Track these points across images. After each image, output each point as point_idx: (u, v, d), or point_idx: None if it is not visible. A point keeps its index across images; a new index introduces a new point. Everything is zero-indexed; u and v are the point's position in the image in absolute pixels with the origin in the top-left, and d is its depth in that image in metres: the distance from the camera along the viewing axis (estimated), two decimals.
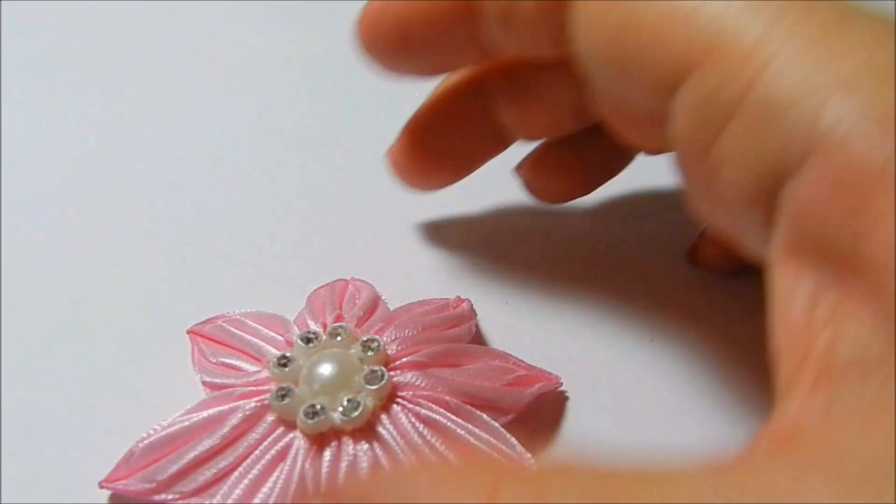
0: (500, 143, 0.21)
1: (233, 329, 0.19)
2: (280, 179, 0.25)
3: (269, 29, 0.32)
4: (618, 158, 0.21)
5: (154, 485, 0.16)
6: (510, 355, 0.18)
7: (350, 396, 0.16)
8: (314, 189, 0.25)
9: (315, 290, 0.20)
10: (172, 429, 0.17)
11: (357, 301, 0.19)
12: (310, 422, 0.16)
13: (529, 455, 0.16)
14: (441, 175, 0.21)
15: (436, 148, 0.20)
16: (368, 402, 0.16)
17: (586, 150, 0.20)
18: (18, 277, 0.22)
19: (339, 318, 0.18)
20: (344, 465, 0.16)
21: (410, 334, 0.18)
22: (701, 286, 0.21)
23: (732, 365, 0.19)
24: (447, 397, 0.17)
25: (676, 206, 0.21)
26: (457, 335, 0.19)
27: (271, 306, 0.20)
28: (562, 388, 0.18)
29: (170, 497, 0.16)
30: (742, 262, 0.18)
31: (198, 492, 0.16)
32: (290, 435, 0.16)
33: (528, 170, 0.21)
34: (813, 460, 0.09)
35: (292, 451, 0.16)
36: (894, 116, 0.10)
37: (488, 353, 0.18)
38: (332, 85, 0.29)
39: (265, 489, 0.15)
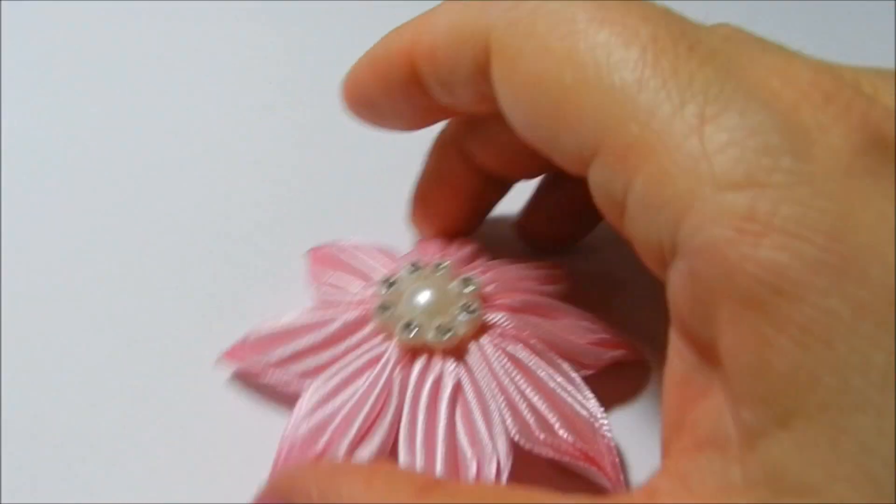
0: (499, 188, 0.21)
1: (346, 253, 0.21)
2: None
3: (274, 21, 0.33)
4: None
5: (261, 366, 0.18)
6: (599, 319, 0.19)
7: (445, 321, 0.18)
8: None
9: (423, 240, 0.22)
10: (283, 324, 0.19)
11: (464, 248, 0.21)
12: (406, 335, 0.17)
13: (602, 411, 0.17)
14: (460, 227, 0.22)
15: (444, 209, 0.21)
16: (460, 328, 0.18)
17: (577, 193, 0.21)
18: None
19: (444, 257, 0.20)
20: (430, 378, 0.17)
21: (508, 282, 0.19)
22: None
23: None
24: (533, 340, 0.18)
25: None
26: (551, 292, 0.20)
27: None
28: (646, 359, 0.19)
29: (272, 380, 0.18)
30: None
31: (297, 378, 0.18)
32: (386, 345, 0.18)
33: (524, 222, 0.22)
34: None
35: (384, 359, 0.17)
36: (753, 218, 0.11)
37: (579, 313, 0.19)
38: None
39: (354, 385, 0.17)
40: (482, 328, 0.18)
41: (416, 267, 0.19)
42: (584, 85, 0.13)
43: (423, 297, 0.18)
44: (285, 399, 0.18)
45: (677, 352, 0.13)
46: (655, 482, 0.12)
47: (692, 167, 0.11)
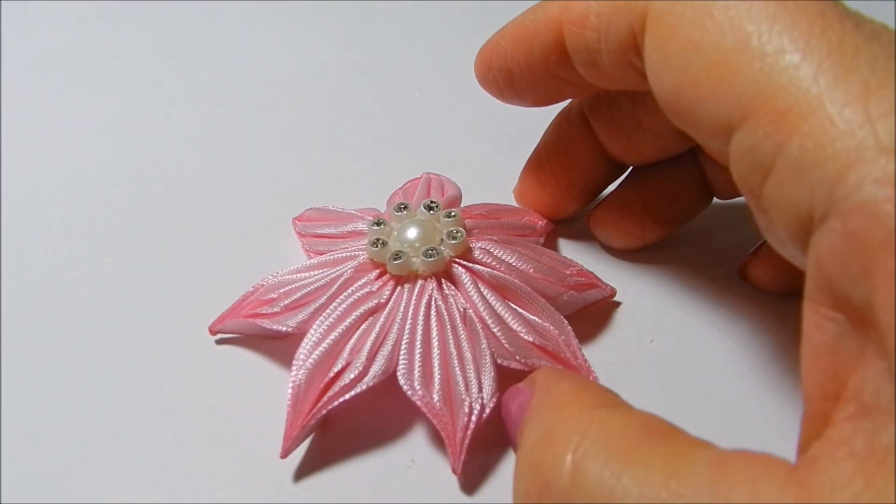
0: (613, 169, 0.22)
1: (331, 210, 0.22)
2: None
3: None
4: (682, 205, 0.22)
5: (265, 315, 0.19)
6: (574, 263, 0.21)
7: (431, 247, 0.19)
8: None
9: (409, 181, 0.23)
10: (287, 276, 0.20)
11: (444, 191, 0.22)
12: (395, 263, 0.19)
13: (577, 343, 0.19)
14: (568, 206, 0.22)
15: (556, 183, 0.22)
16: (446, 252, 0.19)
17: (650, 197, 0.21)
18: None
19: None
20: (423, 301, 0.18)
21: (488, 222, 0.21)
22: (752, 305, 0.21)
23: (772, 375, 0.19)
24: (510, 275, 0.19)
25: (731, 227, 0.23)
26: (523, 235, 0.21)
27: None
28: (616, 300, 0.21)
29: (277, 326, 0.19)
30: (791, 284, 0.20)
31: (300, 323, 0.19)
32: (381, 278, 0.19)
33: (596, 219, 0.22)
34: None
35: (379, 289, 0.19)
36: None
37: (554, 254, 0.21)
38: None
39: (354, 316, 0.18)
40: (467, 253, 0.20)
41: (402, 207, 0.20)
42: (745, 48, 0.13)
43: (411, 233, 0.20)
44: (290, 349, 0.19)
45: (816, 324, 0.13)
46: (816, 451, 0.12)
47: (854, 131, 0.12)
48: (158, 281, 0.22)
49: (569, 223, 0.23)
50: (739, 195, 0.20)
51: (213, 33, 0.33)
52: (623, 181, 0.22)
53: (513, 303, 0.19)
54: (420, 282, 0.19)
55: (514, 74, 0.20)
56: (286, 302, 0.19)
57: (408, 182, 0.23)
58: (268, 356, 0.20)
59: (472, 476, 0.17)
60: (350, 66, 0.31)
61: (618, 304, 0.21)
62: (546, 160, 0.22)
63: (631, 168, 0.22)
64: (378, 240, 0.19)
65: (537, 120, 0.23)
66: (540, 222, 0.22)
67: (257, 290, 0.20)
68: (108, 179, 0.26)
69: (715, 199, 0.22)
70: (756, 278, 0.21)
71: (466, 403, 0.17)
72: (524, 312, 0.19)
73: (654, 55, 0.15)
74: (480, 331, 0.18)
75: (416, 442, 0.18)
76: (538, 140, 0.23)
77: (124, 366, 0.20)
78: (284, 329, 0.19)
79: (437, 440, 0.18)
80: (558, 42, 0.18)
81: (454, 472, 0.17)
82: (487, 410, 0.17)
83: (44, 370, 0.20)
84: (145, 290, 0.22)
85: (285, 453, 0.17)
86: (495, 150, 0.27)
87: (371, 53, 0.32)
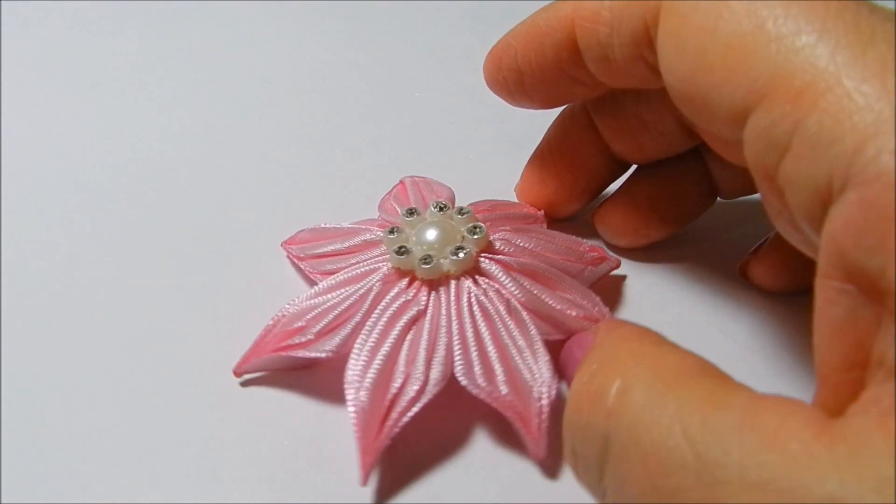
0: (616, 167, 0.22)
1: (327, 229, 0.22)
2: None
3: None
4: (687, 204, 0.22)
5: (303, 340, 0.18)
6: (590, 292, 0.20)
7: (457, 245, 0.19)
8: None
9: (395, 186, 0.23)
10: (309, 301, 0.19)
11: (436, 192, 0.22)
12: (426, 268, 0.19)
13: (549, 380, 0.18)
14: (571, 204, 0.23)
15: (559, 181, 0.22)
16: (472, 249, 0.19)
17: (656, 196, 0.22)
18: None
19: (425, 201, 0.21)
20: (464, 301, 0.18)
21: (496, 214, 0.21)
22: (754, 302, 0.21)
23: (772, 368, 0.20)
24: (515, 299, 0.19)
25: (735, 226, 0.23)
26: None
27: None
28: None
29: (317, 354, 0.18)
30: (792, 283, 0.21)
31: (340, 347, 0.18)
32: (412, 286, 0.19)
33: (601, 216, 0.23)
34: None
35: (415, 298, 0.19)
36: None
37: (563, 234, 0.21)
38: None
39: (396, 330, 0.18)
40: (489, 246, 0.20)
41: (412, 211, 0.20)
42: (761, 32, 0.14)
43: (430, 235, 0.19)
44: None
45: (831, 299, 0.13)
46: (850, 411, 0.12)
47: (872, 104, 0.12)
48: (160, 308, 0.21)
49: (569, 221, 0.24)
50: (744, 194, 0.22)
51: (214, 33, 0.33)
52: (628, 179, 0.23)
53: (545, 285, 0.19)
54: (454, 282, 0.19)
55: (524, 74, 0.20)
56: (318, 327, 0.18)
57: (393, 188, 0.23)
58: (296, 391, 0.19)
59: (551, 461, 0.18)
60: (349, 66, 0.31)
61: (619, 302, 0.21)
62: (549, 158, 0.22)
63: (635, 166, 0.23)
64: (401, 247, 0.19)
65: (538, 120, 0.23)
66: (539, 212, 0.23)
67: (279, 322, 0.19)
68: (105, 180, 0.26)
69: (718, 199, 0.22)
70: (757, 276, 0.21)
71: (534, 389, 0.17)
72: (559, 292, 0.19)
73: (667, 44, 0.16)
74: (526, 318, 0.18)
75: (481, 445, 0.18)
76: (539, 140, 0.23)
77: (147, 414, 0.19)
78: (323, 355, 0.18)
79: (502, 437, 0.18)
80: (570, 39, 0.18)
81: (538, 457, 0.17)
82: (553, 393, 0.17)
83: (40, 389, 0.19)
84: (150, 317, 0.21)
85: (366, 479, 0.17)
86: (495, 150, 0.27)
87: (371, 53, 0.32)
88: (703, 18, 0.15)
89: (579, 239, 0.21)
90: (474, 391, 0.17)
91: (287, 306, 0.19)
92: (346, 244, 0.21)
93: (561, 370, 0.18)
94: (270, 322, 0.19)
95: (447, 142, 0.27)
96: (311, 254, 0.21)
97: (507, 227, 0.20)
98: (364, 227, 0.21)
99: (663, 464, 0.12)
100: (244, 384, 0.19)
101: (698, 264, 0.23)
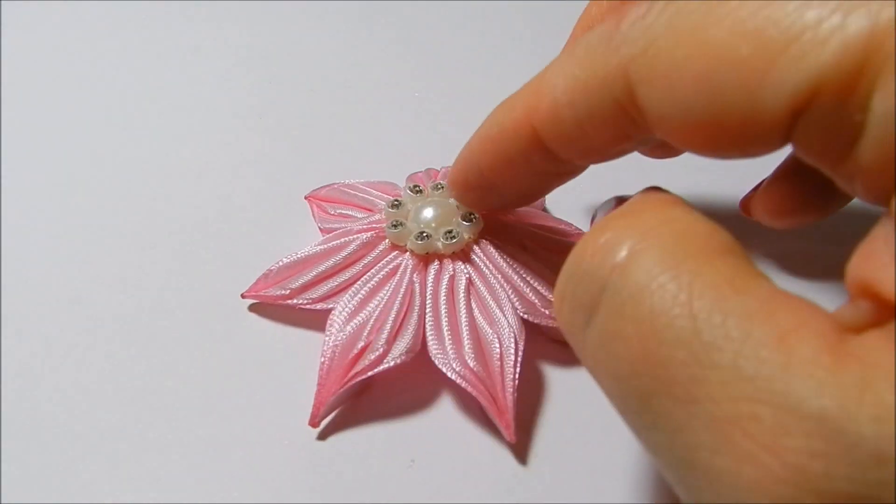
0: (571, 173, 0.19)
1: (345, 190, 0.23)
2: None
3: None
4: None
5: (287, 291, 0.20)
6: (572, 224, 0.22)
7: (450, 229, 0.20)
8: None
9: (413, 173, 0.24)
10: (302, 253, 0.21)
11: None
12: (419, 243, 0.20)
13: None
14: (505, 204, 0.20)
15: (504, 189, 0.19)
16: (465, 234, 0.20)
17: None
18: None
19: (437, 180, 0.22)
20: (445, 279, 0.19)
21: None
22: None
23: None
24: (526, 242, 0.20)
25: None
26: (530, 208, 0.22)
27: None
28: None
29: (300, 302, 0.20)
30: (795, 213, 0.20)
31: (323, 298, 0.20)
32: (401, 258, 0.20)
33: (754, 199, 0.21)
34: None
35: (402, 268, 0.20)
36: None
37: (556, 219, 0.22)
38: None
39: (379, 295, 0.19)
40: (483, 232, 0.20)
41: (417, 189, 0.21)
42: (766, 45, 0.12)
43: (428, 212, 0.20)
44: (312, 324, 0.20)
45: None
46: (870, 333, 0.11)
47: None
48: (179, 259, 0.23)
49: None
50: None
51: (214, 33, 0.33)
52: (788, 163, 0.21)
53: (531, 270, 0.20)
54: (442, 261, 0.20)
55: (497, 186, 0.19)
56: (304, 280, 0.20)
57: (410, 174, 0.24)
58: (296, 325, 0.21)
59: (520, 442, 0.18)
60: (350, 64, 0.31)
61: None
62: (490, 167, 0.19)
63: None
64: (397, 222, 0.20)
65: None
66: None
67: (270, 273, 0.21)
68: (112, 172, 0.26)
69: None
70: (761, 210, 0.20)
71: (496, 341, 0.18)
72: (542, 278, 0.20)
73: (664, 103, 0.14)
74: (503, 295, 0.19)
75: (443, 410, 0.19)
76: None
77: (155, 337, 0.21)
78: (308, 306, 0.20)
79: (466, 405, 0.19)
80: (535, 139, 0.17)
81: (510, 439, 0.18)
82: (521, 344, 0.18)
83: (73, 335, 0.20)
84: (166, 267, 0.22)
85: (313, 421, 0.18)
86: None
87: (372, 52, 0.32)
88: (697, 62, 0.13)
89: (568, 223, 0.22)
90: (443, 368, 0.18)
91: (283, 259, 0.21)
92: (353, 210, 0.22)
93: None
94: (266, 271, 0.21)
95: (452, 140, 0.26)
96: (325, 210, 0.23)
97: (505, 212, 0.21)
98: (377, 192, 0.22)
99: (659, 332, 0.12)
100: (251, 308, 0.21)
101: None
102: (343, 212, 0.22)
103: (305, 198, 0.24)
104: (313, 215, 0.23)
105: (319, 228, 0.23)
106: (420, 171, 0.24)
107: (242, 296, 0.21)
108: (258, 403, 0.19)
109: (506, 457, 0.18)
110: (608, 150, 0.16)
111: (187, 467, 0.18)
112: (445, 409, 0.19)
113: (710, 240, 0.13)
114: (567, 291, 0.14)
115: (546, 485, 0.18)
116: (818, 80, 0.12)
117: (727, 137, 0.14)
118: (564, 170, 0.18)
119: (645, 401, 0.12)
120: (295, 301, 0.20)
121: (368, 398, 0.19)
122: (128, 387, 0.19)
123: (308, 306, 0.20)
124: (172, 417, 0.19)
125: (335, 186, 0.23)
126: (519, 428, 0.18)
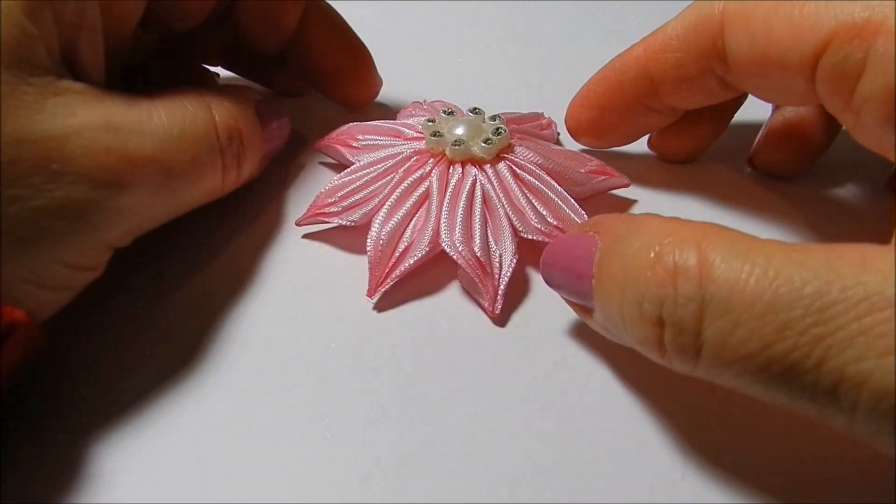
0: (667, 117, 0.24)
1: (365, 125, 0.24)
2: None
3: None
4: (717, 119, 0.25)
5: (335, 211, 0.22)
6: (591, 156, 0.24)
7: (487, 137, 0.22)
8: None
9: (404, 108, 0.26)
10: (343, 176, 0.22)
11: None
12: (456, 148, 0.22)
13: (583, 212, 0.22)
14: (613, 141, 0.25)
15: (619, 127, 0.24)
16: (498, 142, 0.22)
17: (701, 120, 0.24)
18: None
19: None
20: (466, 185, 0.21)
21: (516, 126, 0.24)
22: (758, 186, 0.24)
23: None
24: (540, 170, 0.22)
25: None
26: (546, 136, 0.25)
27: None
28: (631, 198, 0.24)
29: (344, 220, 0.22)
30: (797, 163, 0.24)
31: (365, 214, 0.21)
32: (431, 165, 0.22)
33: (657, 139, 0.25)
34: None
35: (434, 174, 0.22)
36: None
37: (575, 152, 0.24)
38: None
39: (410, 199, 0.21)
40: (509, 148, 0.23)
41: (450, 111, 0.23)
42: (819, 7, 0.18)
43: (459, 130, 0.22)
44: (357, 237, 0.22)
45: None
46: None
47: None
48: None
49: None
50: None
51: None
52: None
53: (543, 195, 0.22)
54: (462, 173, 0.22)
55: (605, 111, 0.23)
56: (353, 199, 0.22)
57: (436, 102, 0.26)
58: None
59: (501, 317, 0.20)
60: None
61: None
62: (608, 107, 0.24)
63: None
64: (436, 132, 0.22)
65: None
66: (548, 129, 0.25)
67: (321, 195, 0.22)
68: None
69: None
70: (766, 160, 0.24)
71: (497, 255, 0.20)
72: (552, 196, 0.22)
73: (738, 38, 0.19)
74: (502, 210, 0.21)
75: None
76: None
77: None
78: (348, 223, 0.22)
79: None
80: (644, 73, 0.22)
81: (492, 312, 0.20)
82: (515, 260, 0.21)
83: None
84: None
85: (372, 293, 0.20)
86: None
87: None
88: (764, 11, 0.19)
89: (589, 156, 0.24)
90: (449, 252, 0.20)
91: (329, 183, 0.22)
92: (386, 138, 0.24)
93: (550, 263, 0.19)
94: (319, 194, 0.22)
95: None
96: (353, 141, 0.24)
97: (528, 136, 0.23)
98: (399, 122, 0.24)
99: (770, 304, 0.14)
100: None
101: (711, 189, 0.24)
102: (371, 139, 0.24)
103: (316, 145, 0.25)
104: (334, 155, 0.24)
105: (348, 159, 0.24)
106: (408, 106, 0.26)
107: (297, 223, 0.22)
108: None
109: (489, 324, 0.20)
110: (699, 88, 0.21)
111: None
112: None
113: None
114: (664, 317, 0.15)
115: (521, 346, 0.20)
116: (830, 33, 0.17)
117: (776, 67, 0.19)
118: (661, 108, 0.23)
119: (782, 359, 0.14)
120: (341, 220, 0.22)
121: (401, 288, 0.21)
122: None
123: (354, 223, 0.22)
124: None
125: (347, 128, 0.24)
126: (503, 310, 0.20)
